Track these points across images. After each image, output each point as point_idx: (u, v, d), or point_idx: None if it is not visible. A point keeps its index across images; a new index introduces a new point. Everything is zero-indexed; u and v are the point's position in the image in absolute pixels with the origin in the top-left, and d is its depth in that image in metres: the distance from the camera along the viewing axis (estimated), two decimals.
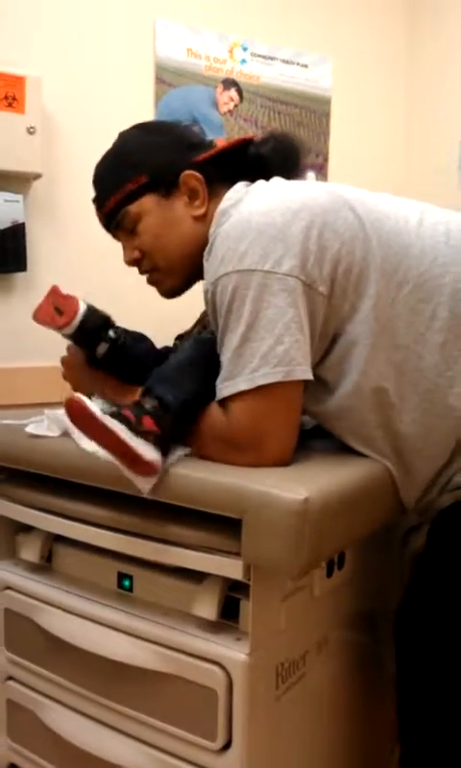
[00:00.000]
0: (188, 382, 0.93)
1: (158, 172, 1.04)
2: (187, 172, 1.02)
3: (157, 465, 0.85)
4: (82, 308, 1.06)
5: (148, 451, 0.84)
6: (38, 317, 1.06)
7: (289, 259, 0.88)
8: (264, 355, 0.87)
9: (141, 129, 1.08)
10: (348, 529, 0.89)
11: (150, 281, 1.11)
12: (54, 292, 1.06)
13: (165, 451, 0.88)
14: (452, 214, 1.00)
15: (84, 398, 0.85)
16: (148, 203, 1.04)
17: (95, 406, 0.85)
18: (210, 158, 1.03)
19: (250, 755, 0.87)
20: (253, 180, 1.03)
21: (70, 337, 1.08)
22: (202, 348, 0.97)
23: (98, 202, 1.08)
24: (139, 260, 1.08)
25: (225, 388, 0.89)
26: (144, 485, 0.87)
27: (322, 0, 2.30)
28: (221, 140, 1.11)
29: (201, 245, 1.01)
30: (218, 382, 0.91)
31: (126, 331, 1.10)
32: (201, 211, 1.03)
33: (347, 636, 1.06)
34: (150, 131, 1.08)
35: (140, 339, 1.12)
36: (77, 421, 0.85)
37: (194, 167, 1.03)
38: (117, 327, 1.09)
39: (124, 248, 1.10)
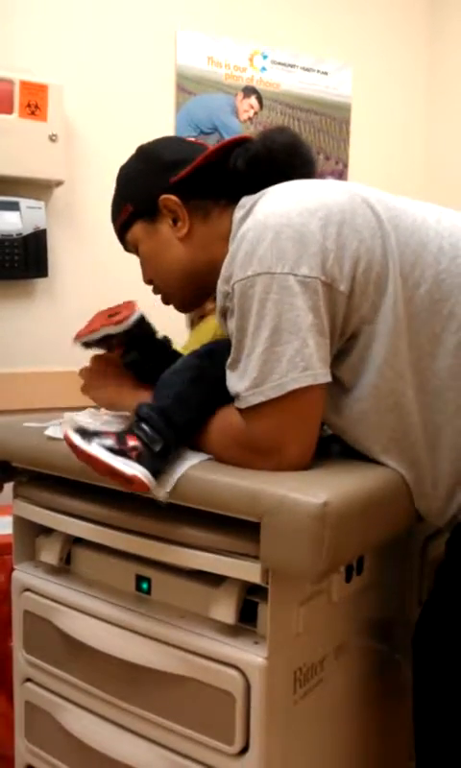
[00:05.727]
0: (194, 394, 0.94)
1: (140, 199, 1.06)
2: (163, 196, 1.03)
3: (140, 478, 0.84)
4: (139, 309, 1.05)
5: (128, 467, 0.84)
6: (91, 327, 1.05)
7: (308, 260, 0.86)
8: (291, 359, 0.85)
9: (135, 155, 1.10)
10: (367, 533, 0.89)
11: (163, 301, 1.13)
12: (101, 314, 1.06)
13: (157, 464, 0.87)
14: None
15: (71, 432, 0.86)
16: (138, 230, 1.08)
17: (79, 438, 0.86)
18: (187, 176, 1.02)
19: (267, 759, 0.87)
20: (247, 190, 0.99)
21: (123, 335, 1.05)
22: (209, 358, 0.98)
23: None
24: (152, 282, 1.12)
25: (251, 395, 0.86)
26: (160, 493, 0.87)
27: (341, 7, 2.31)
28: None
29: (195, 264, 1.04)
30: (241, 389, 0.88)
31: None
32: (183, 231, 1.04)
33: (365, 642, 1.06)
34: (138, 157, 1.09)
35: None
36: (75, 454, 0.87)
37: (170, 188, 1.03)
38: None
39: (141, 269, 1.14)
